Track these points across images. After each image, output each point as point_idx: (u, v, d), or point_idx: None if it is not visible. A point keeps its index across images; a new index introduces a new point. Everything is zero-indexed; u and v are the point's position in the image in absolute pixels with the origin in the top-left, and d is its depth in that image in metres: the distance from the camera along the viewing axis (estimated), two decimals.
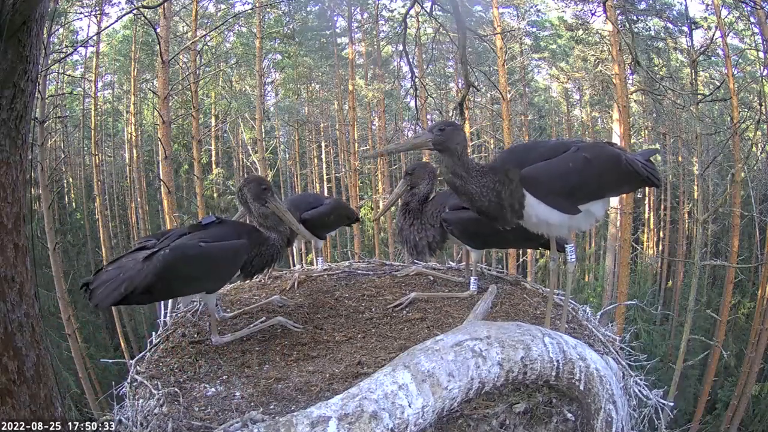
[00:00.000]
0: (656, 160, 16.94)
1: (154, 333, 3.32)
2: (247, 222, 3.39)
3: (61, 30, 14.37)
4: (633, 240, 14.38)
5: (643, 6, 15.21)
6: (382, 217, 20.04)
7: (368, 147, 20.90)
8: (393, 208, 4.26)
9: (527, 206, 2.58)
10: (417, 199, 3.62)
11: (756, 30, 13.68)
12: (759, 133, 12.63)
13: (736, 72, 14.39)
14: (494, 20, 16.26)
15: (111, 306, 2.75)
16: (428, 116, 15.16)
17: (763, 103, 11.27)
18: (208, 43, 16.68)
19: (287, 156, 22.41)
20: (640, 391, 2.88)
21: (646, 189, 18.00)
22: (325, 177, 21.62)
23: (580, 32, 15.98)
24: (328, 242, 18.87)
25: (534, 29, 19.10)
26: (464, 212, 3.42)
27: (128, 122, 19.42)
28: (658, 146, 17.61)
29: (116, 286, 2.62)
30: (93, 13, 14.48)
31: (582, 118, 21.28)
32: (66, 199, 20.46)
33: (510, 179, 2.52)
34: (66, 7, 14.14)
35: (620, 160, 2.70)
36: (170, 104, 12.65)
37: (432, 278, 4.10)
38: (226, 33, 17.99)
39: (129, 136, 19.42)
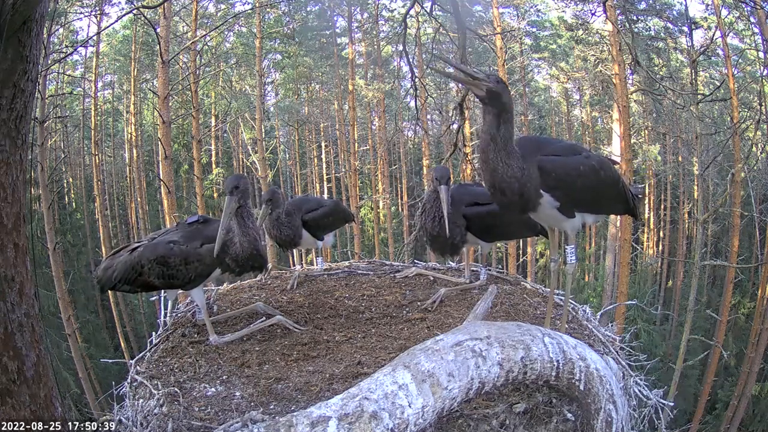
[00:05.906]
0: (656, 161, 16.95)
1: (154, 333, 3.33)
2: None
3: (61, 30, 14.36)
4: (633, 240, 14.35)
5: (643, 6, 15.19)
6: (382, 217, 20.07)
7: (368, 147, 20.91)
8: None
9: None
10: (450, 203, 3.54)
11: (756, 30, 13.67)
12: (759, 133, 12.63)
13: (736, 72, 14.39)
14: (494, 20, 16.27)
15: (110, 290, 3.25)
16: (428, 116, 15.15)
17: (763, 103, 11.27)
18: (208, 43, 16.68)
19: (287, 156, 22.40)
20: (640, 391, 2.88)
21: (647, 190, 18.03)
22: (325, 177, 21.59)
23: (580, 32, 15.95)
24: None
25: (534, 29, 19.13)
26: (480, 207, 3.59)
27: (128, 122, 19.43)
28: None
29: (111, 273, 3.08)
30: (93, 13, 14.47)
31: (582, 118, 21.27)
32: (66, 199, 20.45)
33: (531, 170, 2.47)
34: (66, 7, 14.12)
35: (619, 180, 2.81)
36: (170, 104, 12.62)
37: (432, 278, 4.11)
38: (226, 33, 17.99)
39: (129, 136, 19.42)
